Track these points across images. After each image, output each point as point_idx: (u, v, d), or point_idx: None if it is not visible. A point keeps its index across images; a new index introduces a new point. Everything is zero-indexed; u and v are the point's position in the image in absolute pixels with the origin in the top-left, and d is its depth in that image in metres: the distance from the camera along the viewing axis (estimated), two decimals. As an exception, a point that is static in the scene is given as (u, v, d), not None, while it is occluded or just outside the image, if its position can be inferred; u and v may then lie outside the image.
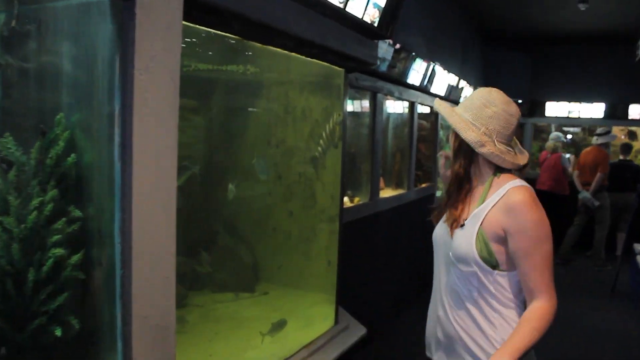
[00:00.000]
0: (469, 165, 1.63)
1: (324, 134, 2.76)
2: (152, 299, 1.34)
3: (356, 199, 3.93)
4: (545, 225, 1.49)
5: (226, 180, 2.93)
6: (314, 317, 2.67)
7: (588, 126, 8.83)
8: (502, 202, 1.51)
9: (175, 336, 1.42)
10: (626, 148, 7.11)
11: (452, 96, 5.90)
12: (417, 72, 4.64)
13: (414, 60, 4.48)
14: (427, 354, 1.74)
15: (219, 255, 2.94)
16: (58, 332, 1.31)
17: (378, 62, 3.84)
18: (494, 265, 1.51)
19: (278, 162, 2.90)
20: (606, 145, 6.97)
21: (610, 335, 4.67)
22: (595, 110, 8.17)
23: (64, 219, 1.34)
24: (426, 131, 5.87)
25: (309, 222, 2.89)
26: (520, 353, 1.40)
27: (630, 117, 8.03)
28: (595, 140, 6.94)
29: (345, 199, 3.81)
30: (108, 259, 1.33)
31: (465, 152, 1.61)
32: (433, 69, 4.99)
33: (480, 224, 1.51)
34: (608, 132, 6.96)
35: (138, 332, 1.30)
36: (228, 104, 2.90)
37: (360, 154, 4.22)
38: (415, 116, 5.03)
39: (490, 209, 1.52)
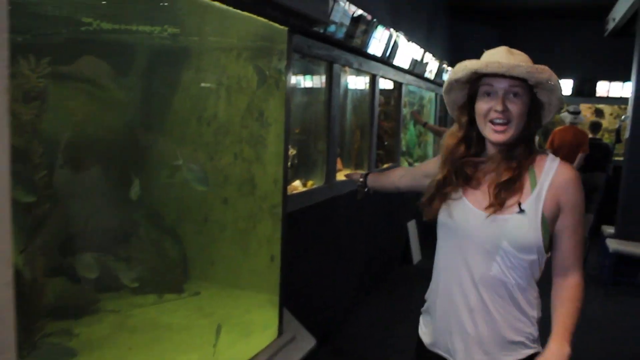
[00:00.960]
0: (532, 136, 1.48)
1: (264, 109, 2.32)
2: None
3: (310, 183, 3.51)
4: None
5: (149, 163, 2.46)
6: (254, 325, 2.26)
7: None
8: (556, 180, 1.42)
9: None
10: (596, 126, 6.89)
11: (417, 70, 5.51)
12: (378, 41, 4.21)
13: (376, 27, 4.04)
14: (443, 353, 1.57)
15: (139, 249, 2.48)
16: None
17: (333, 27, 3.40)
18: (548, 249, 1.46)
19: (209, 142, 2.44)
20: (577, 124, 6.76)
21: (586, 323, 4.43)
22: (563, 87, 7.89)
23: None
24: (389, 107, 5.49)
25: (247, 210, 2.45)
26: (572, 335, 1.41)
27: (597, 95, 7.86)
28: (573, 119, 6.69)
29: (297, 183, 3.39)
30: None
31: (534, 117, 1.45)
32: (396, 39, 4.57)
33: (542, 208, 1.41)
34: (580, 112, 6.76)
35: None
36: (147, 73, 2.41)
37: (315, 132, 3.79)
38: (377, 90, 4.62)
39: (547, 190, 1.42)
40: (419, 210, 1.60)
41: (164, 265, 2.54)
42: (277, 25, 2.07)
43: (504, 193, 1.43)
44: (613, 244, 5.17)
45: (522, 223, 1.40)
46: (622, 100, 7.89)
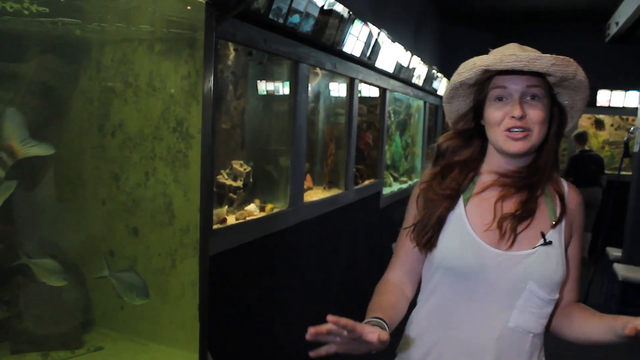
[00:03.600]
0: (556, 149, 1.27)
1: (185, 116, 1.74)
2: None
3: (269, 206, 2.92)
4: None
5: (40, 182, 1.88)
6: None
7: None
8: (570, 204, 1.26)
9: None
10: (583, 137, 6.50)
11: (403, 75, 4.96)
12: (356, 38, 3.64)
13: (352, 22, 3.48)
14: None
15: (26, 291, 1.90)
16: None
17: (297, 18, 2.83)
18: None
19: (114, 158, 1.85)
20: None
21: (591, 358, 3.89)
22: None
23: None
24: (373, 116, 4.94)
25: (164, 244, 1.87)
26: None
27: (598, 104, 7.37)
28: None
29: (252, 207, 2.81)
30: None
31: (556, 125, 1.25)
32: (378, 38, 4.01)
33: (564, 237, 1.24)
34: None
35: None
36: (33, 71, 1.81)
37: (277, 144, 3.22)
38: (356, 96, 4.05)
39: (564, 216, 1.24)
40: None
41: (58, 312, 1.96)
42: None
43: (524, 223, 1.20)
44: (622, 271, 4.63)
45: (550, 257, 1.19)
46: (624, 111, 7.42)
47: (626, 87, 7.23)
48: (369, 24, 3.80)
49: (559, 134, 1.25)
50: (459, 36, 7.31)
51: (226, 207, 2.61)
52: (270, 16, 2.55)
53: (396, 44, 4.47)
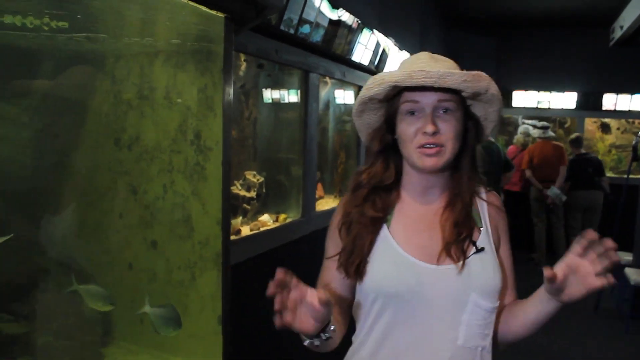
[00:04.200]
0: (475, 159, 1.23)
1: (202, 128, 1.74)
2: None
3: (282, 216, 2.92)
4: None
5: (57, 198, 1.88)
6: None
7: (558, 118, 8.09)
8: (491, 207, 1.24)
9: None
10: (578, 141, 6.48)
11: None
12: (364, 47, 3.66)
13: (361, 31, 3.49)
14: None
15: (45, 305, 1.90)
16: None
17: (308, 28, 2.84)
18: None
19: (131, 170, 1.86)
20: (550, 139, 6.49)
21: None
22: (566, 100, 7.43)
23: None
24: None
25: (183, 257, 1.87)
26: None
27: (604, 108, 7.34)
28: (542, 133, 6.45)
29: (265, 217, 2.81)
30: None
31: (471, 136, 1.21)
32: (385, 47, 4.02)
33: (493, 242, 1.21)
34: (549, 127, 6.61)
35: None
36: (47, 87, 1.82)
37: (288, 154, 3.22)
38: (364, 104, 4.04)
39: (489, 220, 1.23)
40: None
41: (78, 325, 1.95)
42: (211, 11, 1.51)
43: (453, 235, 1.16)
44: (633, 275, 4.60)
45: (485, 264, 1.16)
46: (630, 114, 7.39)
47: (632, 91, 7.21)
48: (376, 32, 3.81)
49: (476, 143, 1.22)
50: (464, 41, 7.31)
51: (240, 218, 2.61)
52: (282, 27, 2.56)
53: (403, 51, 4.48)
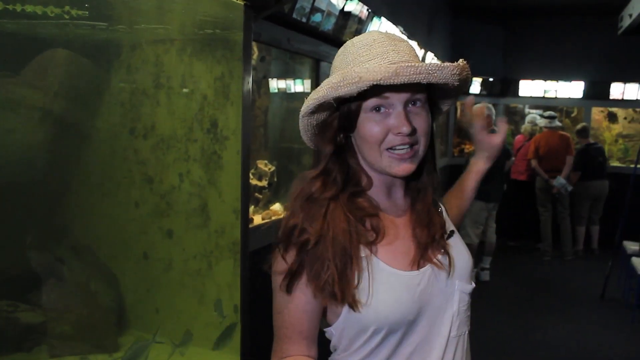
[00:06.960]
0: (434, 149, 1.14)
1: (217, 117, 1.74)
2: None
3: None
4: None
5: (72, 185, 1.88)
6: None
7: (565, 107, 8.05)
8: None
9: None
10: (585, 131, 6.45)
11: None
12: (373, 36, 3.63)
13: (371, 19, 3.48)
14: None
15: (62, 295, 1.90)
16: None
17: (319, 16, 2.82)
18: None
19: (147, 159, 1.86)
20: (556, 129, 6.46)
21: (610, 355, 3.88)
22: (573, 89, 7.39)
23: None
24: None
25: (199, 246, 1.87)
26: None
27: (611, 97, 7.29)
28: (548, 122, 6.42)
29: (277, 206, 2.81)
30: None
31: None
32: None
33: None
34: (556, 117, 6.58)
35: None
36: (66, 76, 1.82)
37: (299, 143, 3.21)
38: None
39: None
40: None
41: (94, 315, 1.96)
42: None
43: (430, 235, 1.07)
44: (641, 265, 4.59)
45: (458, 246, 1.10)
46: (637, 103, 7.35)
47: (640, 80, 7.17)
48: (386, 20, 3.79)
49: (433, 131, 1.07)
50: (471, 30, 7.27)
51: (252, 207, 2.61)
52: (294, 15, 2.54)
53: (412, 41, 4.46)
